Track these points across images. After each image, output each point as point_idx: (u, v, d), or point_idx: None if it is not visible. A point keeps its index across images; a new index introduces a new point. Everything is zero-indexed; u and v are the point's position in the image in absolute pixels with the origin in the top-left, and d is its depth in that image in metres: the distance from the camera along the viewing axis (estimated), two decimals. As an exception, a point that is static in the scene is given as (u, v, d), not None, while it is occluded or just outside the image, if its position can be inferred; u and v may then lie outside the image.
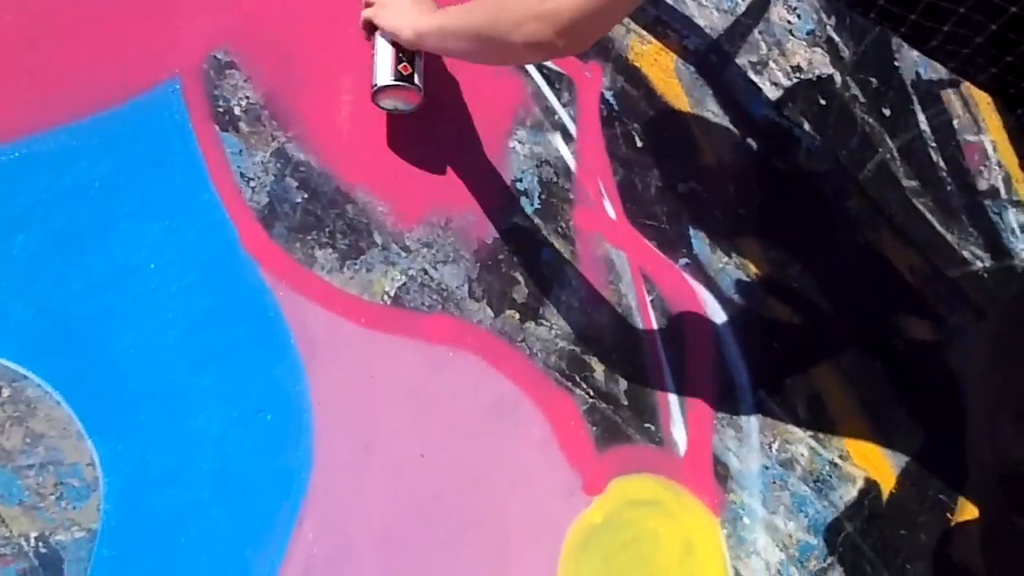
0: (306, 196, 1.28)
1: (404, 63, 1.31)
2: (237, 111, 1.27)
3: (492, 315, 1.36)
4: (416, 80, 1.32)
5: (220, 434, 1.13)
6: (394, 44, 1.32)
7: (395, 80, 1.30)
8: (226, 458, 1.12)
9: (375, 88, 1.31)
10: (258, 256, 1.22)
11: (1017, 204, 1.97)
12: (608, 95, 1.58)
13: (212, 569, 1.08)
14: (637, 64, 1.64)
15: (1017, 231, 1.95)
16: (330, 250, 1.27)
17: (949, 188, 1.90)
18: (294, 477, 1.15)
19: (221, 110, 1.26)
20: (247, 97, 1.28)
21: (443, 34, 1.27)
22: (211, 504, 1.10)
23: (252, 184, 1.25)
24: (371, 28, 1.34)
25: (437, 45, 1.30)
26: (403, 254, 1.32)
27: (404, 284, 1.31)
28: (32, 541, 0.99)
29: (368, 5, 1.35)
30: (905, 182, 1.85)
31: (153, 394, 1.11)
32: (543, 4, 1.13)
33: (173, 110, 1.23)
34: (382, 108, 1.34)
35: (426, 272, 1.33)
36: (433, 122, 1.41)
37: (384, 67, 1.31)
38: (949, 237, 1.85)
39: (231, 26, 1.30)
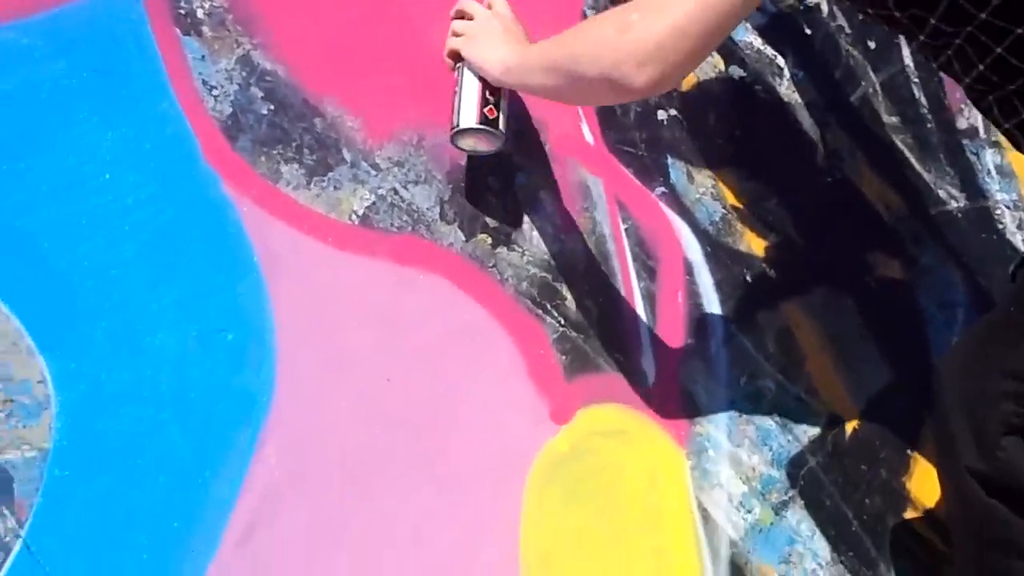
0: (272, 108, 1.22)
1: (491, 105, 1.25)
2: (200, 14, 1.20)
3: (463, 238, 1.32)
4: (500, 125, 1.26)
5: (179, 353, 1.09)
6: (481, 81, 1.25)
7: (480, 124, 1.24)
8: (185, 378, 1.09)
9: (456, 128, 1.25)
10: (220, 169, 1.16)
11: (994, 145, 1.95)
12: (589, 13, 1.52)
13: (170, 491, 1.05)
14: (621, -18, 1.58)
15: (993, 172, 1.94)
16: (297, 165, 1.22)
17: (929, 126, 1.88)
18: (256, 399, 1.12)
19: (183, 12, 1.19)
20: (211, -1, 1.21)
21: (527, 68, 1.21)
22: (169, 425, 1.06)
23: (215, 93, 1.18)
24: (456, 58, 1.28)
25: (520, 81, 1.24)
26: (373, 172, 1.27)
27: (373, 203, 1.26)
28: (-20, 459, 0.95)
29: (456, 34, 1.28)
30: (886, 118, 1.82)
31: (108, 310, 1.06)
32: (622, 35, 1.07)
33: (131, 10, 1.16)
34: (457, 147, 1.28)
35: (396, 192, 1.28)
36: (409, 38, 1.35)
37: (469, 107, 1.25)
38: (926, 176, 1.83)
39: (194, -79, 1.21)
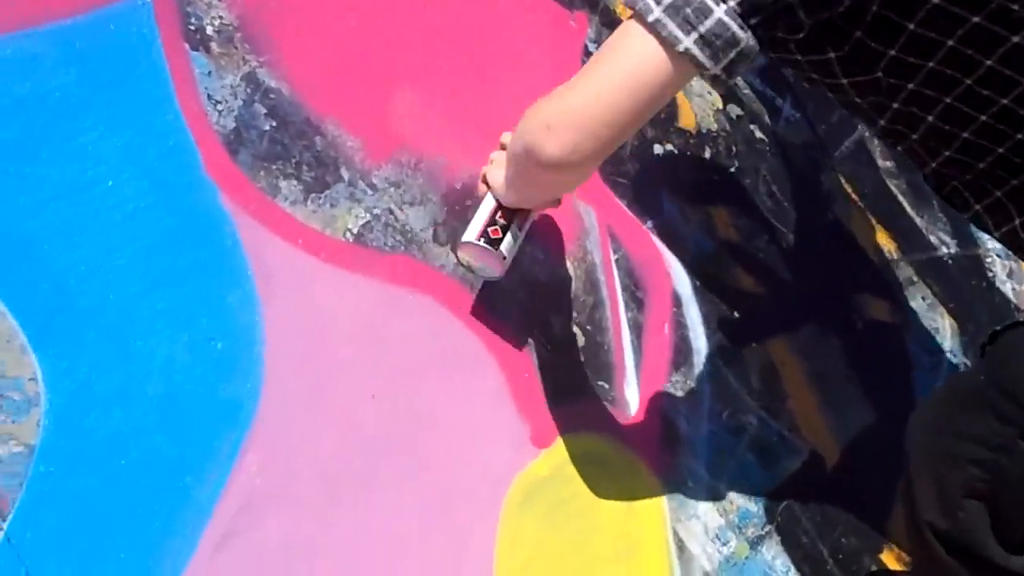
0: (274, 124, 1.25)
1: (496, 227, 1.26)
2: (209, 30, 1.23)
3: (455, 261, 1.34)
4: (502, 247, 1.27)
5: (168, 359, 1.11)
6: (496, 203, 1.27)
7: (478, 239, 1.26)
8: (173, 384, 1.11)
9: (460, 241, 1.29)
10: (220, 182, 1.19)
11: (988, 193, 1.97)
12: (592, 47, 1.56)
13: (151, 494, 1.07)
14: (624, 18, 1.61)
15: (985, 220, 1.96)
16: (295, 182, 1.25)
17: (923, 172, 1.90)
18: (241, 408, 1.14)
19: (192, 28, 1.22)
20: (220, 17, 1.24)
21: (504, 173, 1.23)
22: (154, 429, 1.08)
23: (219, 107, 1.22)
24: (487, 184, 1.30)
25: (504, 189, 1.24)
26: (369, 192, 1.30)
27: (368, 222, 1.29)
28: (-33, 451, 0.98)
29: (491, 162, 1.31)
30: (880, 162, 1.85)
31: (102, 313, 1.09)
32: (540, 103, 1.07)
33: (142, 24, 1.19)
34: (460, 262, 1.31)
35: (391, 212, 1.31)
36: (412, 63, 1.38)
37: (476, 224, 1.27)
38: (918, 221, 1.86)
39: (208, -59, 1.25)
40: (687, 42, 0.95)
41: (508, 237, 1.27)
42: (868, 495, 1.62)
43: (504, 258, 1.27)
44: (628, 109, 1.00)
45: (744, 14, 0.94)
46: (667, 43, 0.96)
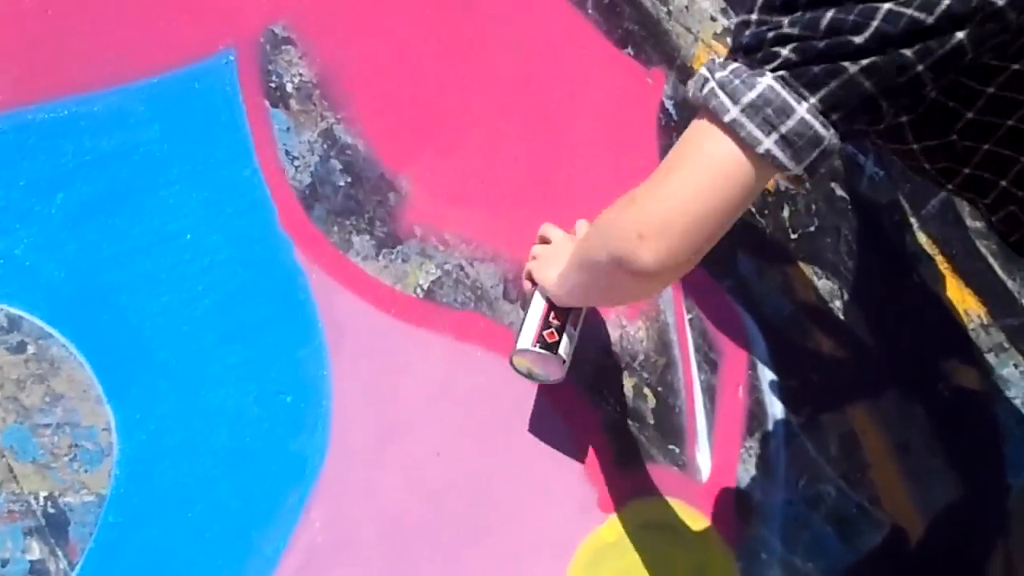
0: (349, 180, 1.26)
1: (551, 329, 1.20)
2: (289, 88, 1.26)
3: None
4: (560, 350, 1.20)
5: (237, 412, 1.12)
6: (548, 303, 1.22)
7: (534, 345, 1.20)
8: (241, 437, 1.12)
9: (514, 350, 1.23)
10: (295, 236, 1.21)
11: (1086, 256, 1.88)
12: (668, 104, 1.54)
13: (216, 546, 1.07)
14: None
15: (1082, 284, 1.87)
16: (368, 237, 1.26)
17: (1015, 233, 1.83)
18: (307, 463, 1.14)
19: (273, 85, 1.25)
20: (300, 74, 1.27)
21: (567, 272, 1.16)
22: (221, 481, 1.09)
23: (296, 163, 1.24)
24: (532, 281, 1.27)
25: (567, 290, 1.19)
26: (440, 248, 1.30)
27: (439, 278, 1.29)
28: (41, 500, 0.99)
29: (534, 257, 1.28)
30: (970, 222, 1.79)
31: (176, 365, 1.10)
32: (624, 210, 0.99)
33: (225, 81, 1.22)
34: (516, 370, 1.25)
35: (462, 268, 1.31)
36: (485, 118, 1.39)
37: (529, 329, 1.21)
38: (1010, 284, 1.78)
39: (291, 0, 1.28)
40: (767, 143, 0.89)
41: (564, 338, 1.21)
42: (953, 572, 1.54)
43: (564, 362, 1.22)
44: (717, 211, 0.94)
45: (826, 111, 0.89)
46: (745, 144, 0.90)
